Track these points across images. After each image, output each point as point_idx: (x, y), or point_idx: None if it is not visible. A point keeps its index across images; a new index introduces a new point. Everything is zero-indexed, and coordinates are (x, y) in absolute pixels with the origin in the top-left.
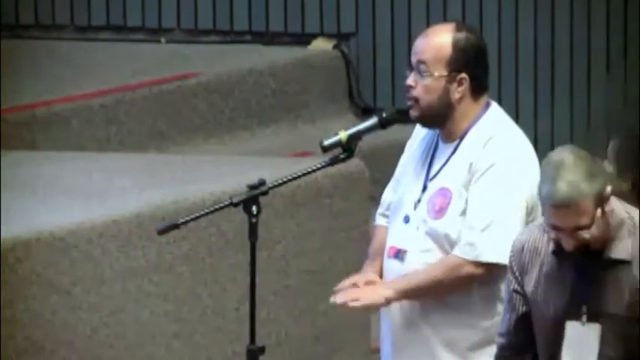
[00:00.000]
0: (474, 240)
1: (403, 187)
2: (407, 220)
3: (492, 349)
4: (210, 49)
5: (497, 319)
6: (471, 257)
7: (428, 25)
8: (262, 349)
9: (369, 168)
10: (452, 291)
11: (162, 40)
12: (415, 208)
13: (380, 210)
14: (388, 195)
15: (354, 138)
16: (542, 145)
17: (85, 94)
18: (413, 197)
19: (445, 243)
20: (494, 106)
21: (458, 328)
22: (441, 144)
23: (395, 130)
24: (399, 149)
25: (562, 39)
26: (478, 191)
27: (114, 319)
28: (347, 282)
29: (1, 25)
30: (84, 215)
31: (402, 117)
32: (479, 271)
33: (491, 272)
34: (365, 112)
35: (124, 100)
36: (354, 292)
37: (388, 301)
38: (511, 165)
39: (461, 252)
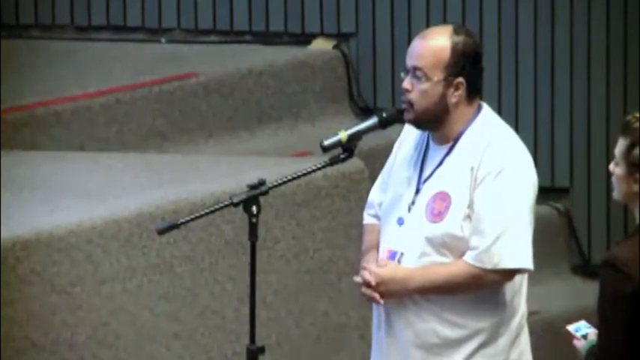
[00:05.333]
0: (491, 248)
1: (394, 188)
2: (401, 222)
3: (466, 350)
4: (210, 49)
5: (485, 323)
6: (490, 266)
7: (428, 25)
8: (262, 349)
9: (369, 168)
10: (466, 294)
11: (163, 40)
12: (409, 210)
13: (370, 212)
14: (376, 196)
15: (354, 138)
16: (542, 145)
17: (85, 94)
18: (406, 199)
19: (443, 247)
20: (487, 108)
21: (427, 322)
22: (432, 145)
23: (395, 130)
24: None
25: (562, 39)
26: (490, 198)
27: (114, 319)
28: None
29: (1, 25)
30: (84, 215)
31: (402, 117)
32: (500, 278)
33: (511, 277)
34: (365, 112)
35: (124, 100)
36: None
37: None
38: (518, 170)
39: (479, 261)
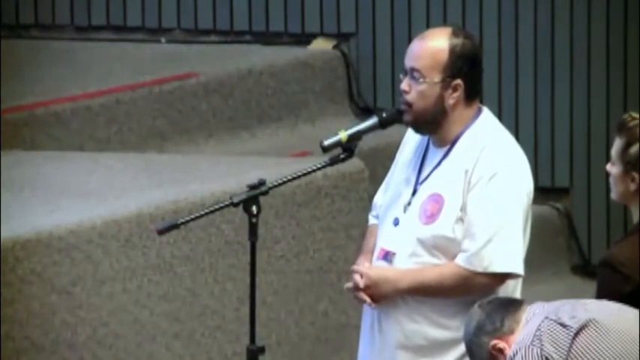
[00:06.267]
0: (481, 251)
1: (393, 189)
2: (396, 222)
3: (457, 352)
4: (210, 49)
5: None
6: (480, 269)
7: (428, 25)
8: (262, 349)
9: (369, 168)
10: (457, 297)
11: (163, 40)
12: (405, 211)
13: (373, 213)
14: (379, 198)
15: (354, 138)
16: (542, 145)
17: (85, 94)
18: (403, 200)
19: (435, 249)
20: (486, 112)
21: (418, 324)
22: (431, 147)
23: (395, 130)
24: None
25: (562, 38)
26: (482, 201)
27: (114, 319)
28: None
29: (1, 25)
30: (84, 215)
31: (402, 117)
32: (490, 281)
33: (502, 281)
34: (365, 112)
35: (124, 100)
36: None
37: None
38: (511, 174)
39: (469, 264)
